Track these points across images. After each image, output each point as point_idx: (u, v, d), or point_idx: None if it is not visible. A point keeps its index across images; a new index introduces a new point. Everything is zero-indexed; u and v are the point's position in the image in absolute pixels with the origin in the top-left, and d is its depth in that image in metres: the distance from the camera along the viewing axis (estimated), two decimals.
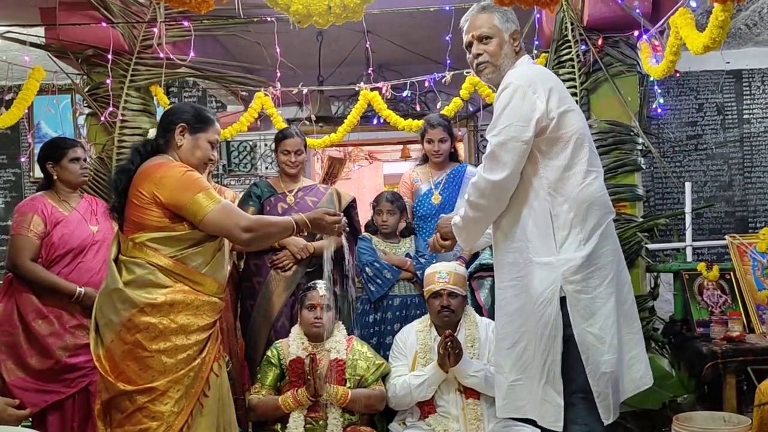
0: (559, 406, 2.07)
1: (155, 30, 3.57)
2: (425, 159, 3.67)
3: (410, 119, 3.98)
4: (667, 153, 5.38)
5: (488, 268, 3.27)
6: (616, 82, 3.48)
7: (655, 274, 3.71)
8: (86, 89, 3.71)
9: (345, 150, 7.16)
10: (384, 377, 2.95)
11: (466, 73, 3.77)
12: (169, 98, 3.90)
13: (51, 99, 4.46)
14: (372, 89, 3.93)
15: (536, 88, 2.08)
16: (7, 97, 3.84)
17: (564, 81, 3.27)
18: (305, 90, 4.00)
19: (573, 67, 3.47)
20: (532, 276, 2.10)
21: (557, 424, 2.08)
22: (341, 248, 2.72)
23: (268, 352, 2.94)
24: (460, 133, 5.41)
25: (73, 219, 2.94)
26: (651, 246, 3.67)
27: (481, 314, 3.15)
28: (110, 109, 3.60)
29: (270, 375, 2.89)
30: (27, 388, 2.78)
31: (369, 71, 4.11)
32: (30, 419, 2.87)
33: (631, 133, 3.52)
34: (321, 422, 2.79)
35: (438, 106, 4.14)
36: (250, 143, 5.71)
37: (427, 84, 3.92)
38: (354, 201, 3.43)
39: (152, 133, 2.46)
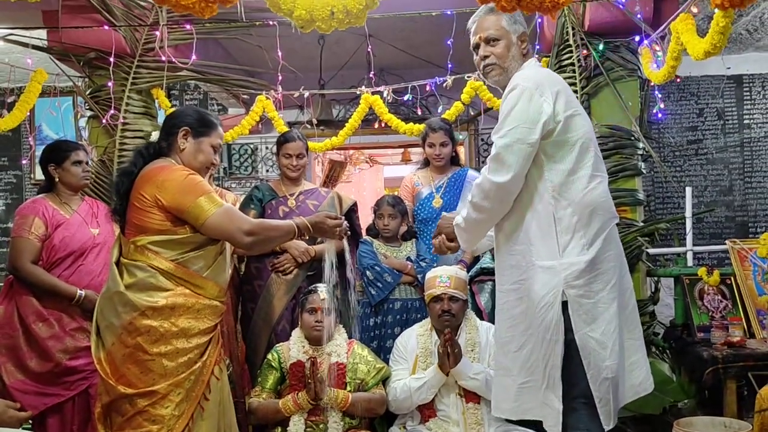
0: (557, 411, 2.07)
1: (157, 33, 3.58)
2: (426, 163, 3.67)
3: (411, 123, 3.98)
4: (667, 157, 5.39)
5: (489, 272, 3.27)
6: (617, 87, 3.49)
7: (656, 278, 3.71)
8: (88, 92, 3.71)
9: (345, 153, 7.17)
10: (384, 381, 2.95)
11: (468, 77, 3.78)
12: (170, 101, 3.90)
13: (53, 101, 4.47)
14: (373, 93, 3.93)
15: (543, 90, 2.08)
16: (9, 100, 3.85)
17: None
18: (306, 93, 4.00)
19: (574, 71, 3.48)
20: (534, 280, 2.10)
21: (555, 429, 2.08)
22: (342, 252, 2.72)
23: (269, 356, 2.94)
24: (461, 137, 5.41)
25: (74, 222, 2.95)
26: (651, 250, 3.67)
27: (481, 318, 3.15)
28: (112, 111, 3.60)
29: (270, 378, 2.89)
30: (27, 391, 2.79)
31: (370, 75, 4.11)
32: (30, 422, 2.87)
33: (632, 138, 3.52)
34: (321, 426, 2.79)
35: (439, 110, 4.14)
36: (251, 146, 5.72)
37: (428, 88, 3.93)
38: (355, 205, 3.43)
39: (155, 135, 2.46)
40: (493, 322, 2.41)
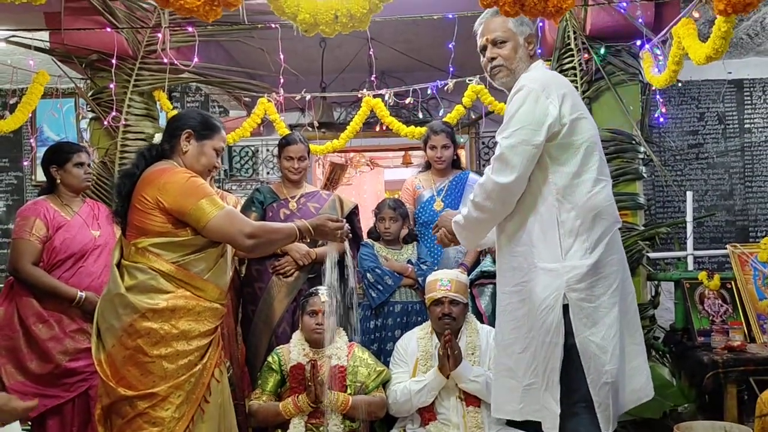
0: (555, 414, 2.06)
1: (159, 35, 3.58)
2: (428, 166, 3.68)
3: (412, 126, 3.99)
4: (668, 162, 5.40)
5: (489, 276, 3.28)
6: (618, 91, 3.49)
7: (656, 282, 3.71)
8: (90, 94, 3.72)
9: (346, 156, 7.17)
10: (385, 384, 2.95)
11: (469, 80, 3.79)
12: (171, 103, 3.91)
13: (54, 103, 4.47)
14: (374, 96, 3.94)
15: (550, 92, 2.08)
16: (11, 101, 3.85)
17: None
18: (308, 96, 4.01)
19: (575, 75, 3.48)
20: (536, 282, 2.10)
21: None
22: (343, 254, 2.72)
23: (269, 358, 2.94)
24: (462, 140, 5.42)
25: (75, 223, 2.95)
26: (652, 254, 3.67)
27: (481, 321, 3.15)
28: (113, 113, 3.61)
29: (271, 381, 2.89)
30: (26, 393, 2.77)
31: (372, 78, 4.12)
32: (29, 423, 2.87)
33: (633, 142, 3.53)
34: (321, 429, 2.79)
35: (440, 113, 4.15)
36: (252, 148, 5.72)
37: (429, 91, 3.93)
38: (356, 207, 3.43)
39: (158, 138, 2.46)
40: (494, 326, 2.41)
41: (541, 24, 3.64)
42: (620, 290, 2.12)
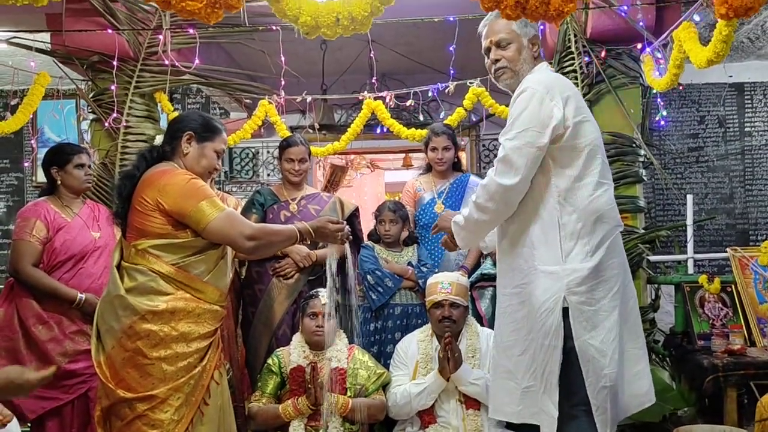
0: (553, 417, 2.06)
1: (160, 37, 3.58)
2: (428, 168, 3.68)
3: (413, 128, 3.99)
4: (668, 165, 5.40)
5: (489, 278, 3.27)
6: (619, 94, 3.50)
7: (656, 285, 3.71)
8: (91, 95, 3.72)
9: (347, 158, 7.18)
10: (385, 386, 2.94)
11: (470, 83, 3.79)
12: (172, 105, 3.91)
13: (55, 104, 4.48)
14: (375, 98, 3.94)
15: (554, 95, 2.08)
16: (12, 102, 3.85)
17: None
18: (309, 98, 4.01)
19: (576, 78, 3.48)
20: (536, 284, 2.10)
21: None
22: (344, 257, 2.72)
23: (269, 360, 2.94)
24: (462, 142, 5.43)
25: (76, 225, 2.95)
26: (652, 258, 3.67)
27: (481, 324, 3.15)
28: (114, 115, 3.61)
29: (270, 383, 2.88)
30: None
31: (372, 80, 4.12)
32: (29, 425, 2.87)
33: (633, 145, 3.53)
34: (321, 431, 2.79)
35: (441, 116, 4.15)
36: (253, 150, 5.72)
37: (430, 94, 3.94)
38: (357, 210, 3.43)
39: (159, 139, 2.46)
40: (494, 328, 2.41)
41: (542, 27, 3.65)
42: (621, 294, 2.11)
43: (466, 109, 3.85)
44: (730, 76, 5.16)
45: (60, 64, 3.75)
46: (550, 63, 3.63)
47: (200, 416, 2.17)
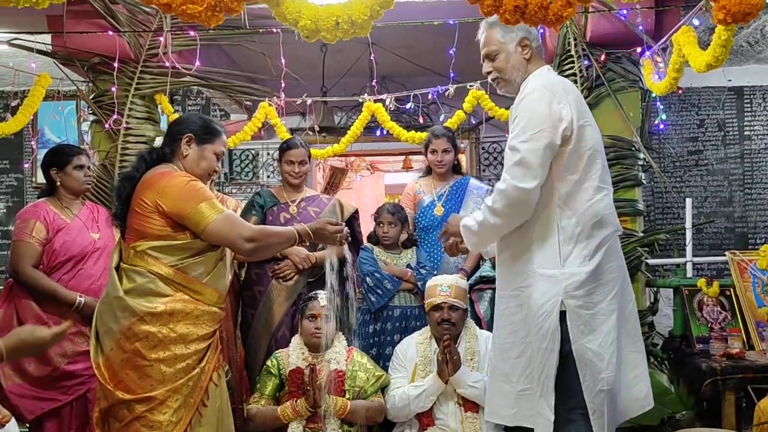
0: (548, 421, 2.07)
1: (161, 39, 3.59)
2: (428, 171, 3.68)
3: (413, 131, 4.00)
4: (668, 168, 5.40)
5: (488, 281, 3.28)
6: (619, 98, 3.50)
7: (655, 289, 3.71)
8: (91, 96, 3.72)
9: (347, 160, 7.18)
10: (383, 389, 2.94)
11: (470, 86, 3.79)
12: (173, 107, 3.91)
13: (56, 105, 4.48)
14: (375, 101, 3.95)
15: (561, 98, 2.08)
16: (13, 103, 3.86)
17: None
18: (309, 100, 4.02)
19: (576, 81, 3.49)
20: (534, 287, 2.10)
21: None
22: (343, 259, 2.73)
23: (268, 362, 2.94)
24: (462, 145, 5.43)
25: (75, 226, 2.96)
26: (651, 261, 3.67)
27: (480, 326, 3.15)
28: (115, 116, 3.62)
29: (269, 385, 2.89)
30: (24, 395, 2.78)
31: (373, 83, 4.13)
32: (27, 425, 2.87)
33: (633, 148, 3.53)
34: None
35: (441, 119, 4.16)
36: (253, 152, 5.73)
37: (430, 96, 3.94)
38: (356, 212, 3.43)
39: (158, 141, 2.47)
40: (492, 330, 2.41)
41: (541, 30, 3.64)
42: (619, 297, 2.12)
43: (465, 112, 3.85)
44: (729, 80, 5.17)
45: (61, 66, 3.75)
46: (550, 66, 3.65)
47: (199, 418, 2.17)
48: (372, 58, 4.02)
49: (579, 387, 2.05)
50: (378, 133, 4.25)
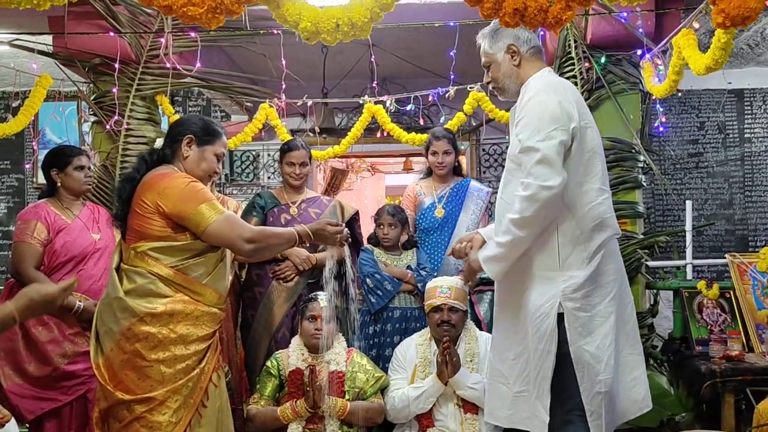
0: (543, 422, 2.07)
1: (162, 40, 3.60)
2: (429, 172, 3.69)
3: (413, 132, 4.01)
4: (668, 170, 5.41)
5: (488, 282, 3.28)
6: (619, 100, 3.51)
7: (655, 291, 3.71)
8: (92, 97, 3.73)
9: (347, 161, 7.18)
10: (383, 390, 2.95)
11: (470, 88, 3.80)
12: (173, 108, 3.92)
13: (57, 106, 4.48)
14: (376, 102, 3.95)
15: (567, 97, 2.09)
16: (14, 104, 3.87)
17: None
18: (310, 102, 4.02)
19: (576, 84, 3.49)
20: (532, 289, 2.10)
21: None
22: (343, 260, 2.73)
23: (268, 363, 2.95)
24: (463, 147, 5.44)
25: (76, 227, 2.96)
26: (651, 263, 3.67)
27: (480, 328, 3.16)
28: (116, 117, 3.62)
29: (269, 385, 2.89)
30: (24, 395, 2.79)
31: (373, 84, 4.13)
32: (27, 426, 2.87)
33: (633, 151, 3.54)
34: None
35: (441, 120, 4.16)
36: (253, 153, 5.73)
37: (430, 98, 3.95)
38: (357, 213, 3.44)
39: (159, 142, 2.47)
40: (492, 332, 2.42)
41: (542, 33, 3.66)
42: (617, 300, 2.12)
43: (466, 114, 3.86)
44: (730, 83, 5.17)
45: (62, 67, 3.76)
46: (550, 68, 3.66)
47: (198, 418, 2.17)
48: (372, 59, 4.02)
49: (577, 389, 2.05)
50: (378, 134, 4.25)
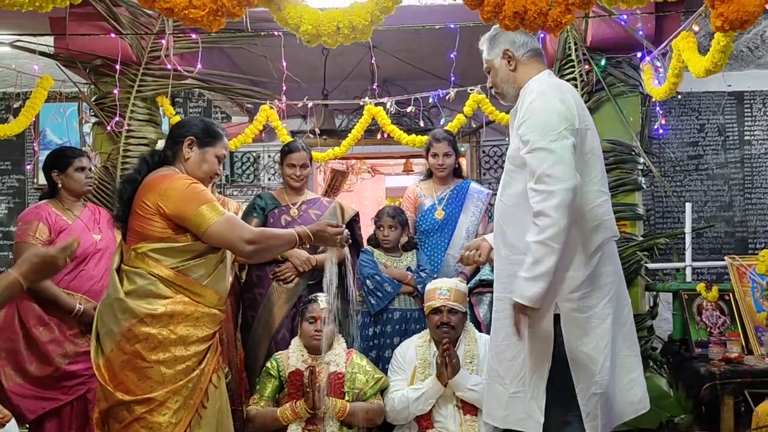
0: (538, 423, 2.07)
1: (163, 41, 3.61)
2: (429, 174, 3.70)
3: (414, 134, 4.01)
4: (667, 173, 5.41)
5: (488, 284, 3.29)
6: (619, 102, 3.51)
7: (655, 293, 3.72)
8: (93, 98, 3.74)
9: (347, 163, 7.19)
10: (383, 391, 2.95)
11: (470, 90, 3.81)
12: (174, 109, 3.93)
13: (58, 107, 4.49)
14: (376, 104, 3.96)
15: (568, 99, 2.10)
16: (15, 105, 3.87)
17: None
18: (310, 103, 4.03)
19: (576, 86, 3.50)
20: None
21: None
22: (343, 261, 2.73)
23: (268, 364, 2.95)
24: (463, 149, 5.44)
25: (77, 227, 2.97)
26: (650, 265, 3.68)
27: (479, 330, 3.16)
28: (116, 118, 3.63)
29: (269, 386, 2.89)
30: (25, 395, 2.80)
31: (374, 86, 4.14)
32: (27, 426, 2.88)
33: (633, 153, 3.54)
34: None
35: (441, 122, 4.17)
36: (254, 154, 5.74)
37: (431, 100, 3.95)
38: (357, 215, 3.44)
39: (161, 144, 2.48)
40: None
41: (542, 35, 3.67)
42: (614, 302, 2.12)
43: (466, 116, 3.86)
44: (729, 85, 5.18)
45: (63, 68, 3.77)
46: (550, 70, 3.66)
47: (198, 419, 2.18)
48: (373, 61, 4.03)
49: (573, 390, 2.05)
50: (379, 136, 4.26)
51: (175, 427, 2.12)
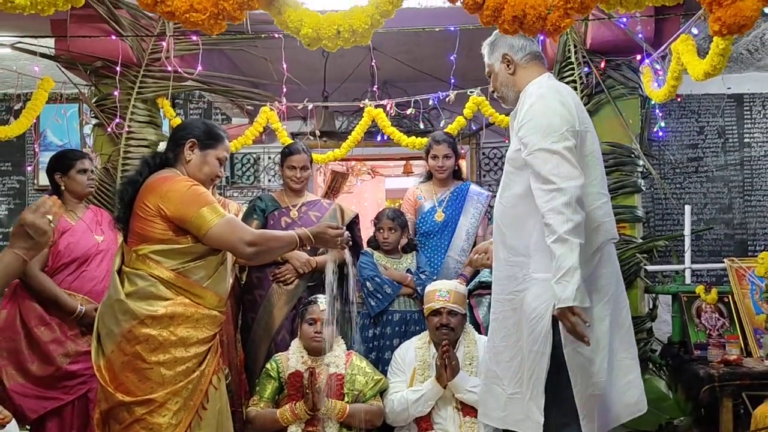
0: (538, 424, 2.08)
1: (163, 43, 3.62)
2: (429, 176, 3.70)
3: (413, 136, 4.02)
4: (667, 175, 5.42)
5: (487, 286, 3.28)
6: (618, 105, 3.52)
7: (654, 295, 3.72)
8: (94, 100, 3.74)
9: (348, 164, 7.19)
10: (382, 393, 2.96)
11: (470, 92, 3.82)
12: (175, 111, 3.93)
13: (58, 108, 4.50)
14: (376, 106, 3.97)
15: (568, 101, 2.11)
16: (16, 106, 3.88)
17: None
18: (310, 105, 4.04)
19: (575, 88, 3.50)
20: (528, 291, 2.11)
21: None
22: (343, 263, 2.74)
23: (268, 365, 2.96)
24: (463, 151, 5.45)
25: (79, 228, 2.98)
26: (650, 267, 3.68)
27: (479, 331, 3.16)
28: (117, 120, 3.63)
29: (269, 388, 2.90)
30: (27, 394, 2.80)
31: (374, 88, 4.15)
32: (28, 426, 2.88)
33: (632, 155, 3.55)
34: None
35: (441, 124, 4.18)
36: (254, 156, 5.74)
37: (431, 102, 3.96)
38: (357, 217, 3.45)
39: (162, 146, 2.49)
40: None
41: (542, 38, 3.67)
42: (612, 303, 2.13)
43: (466, 118, 3.87)
44: (729, 88, 5.18)
45: (63, 69, 3.77)
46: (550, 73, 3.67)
47: (198, 420, 2.18)
48: (373, 63, 4.04)
49: (570, 391, 2.06)
50: (379, 138, 4.27)
51: (175, 428, 2.12)
